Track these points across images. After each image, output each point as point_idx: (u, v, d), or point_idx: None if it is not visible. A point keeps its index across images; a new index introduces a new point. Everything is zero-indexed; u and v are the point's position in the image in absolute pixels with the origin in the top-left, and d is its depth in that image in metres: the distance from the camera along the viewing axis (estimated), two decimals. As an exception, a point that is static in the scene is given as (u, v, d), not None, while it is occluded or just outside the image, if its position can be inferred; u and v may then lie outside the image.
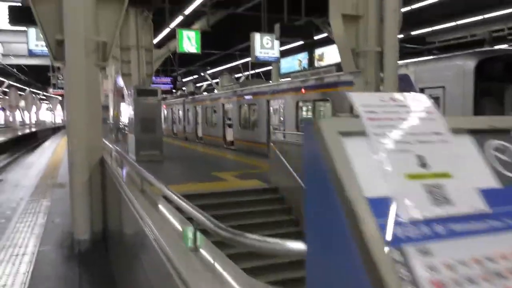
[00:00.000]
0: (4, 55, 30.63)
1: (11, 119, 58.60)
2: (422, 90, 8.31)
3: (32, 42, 10.28)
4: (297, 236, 7.82)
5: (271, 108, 14.74)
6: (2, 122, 75.22)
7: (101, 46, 5.08)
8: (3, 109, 68.79)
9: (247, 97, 16.03)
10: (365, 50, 6.54)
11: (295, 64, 25.44)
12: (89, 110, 4.85)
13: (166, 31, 16.51)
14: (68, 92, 4.88)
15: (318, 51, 23.59)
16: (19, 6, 8.82)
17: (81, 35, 4.75)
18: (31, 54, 10.28)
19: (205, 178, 9.81)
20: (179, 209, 2.69)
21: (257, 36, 12.10)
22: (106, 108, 32.48)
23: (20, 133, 39.69)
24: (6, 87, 46.60)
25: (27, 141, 39.67)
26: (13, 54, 30.42)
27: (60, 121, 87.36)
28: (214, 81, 39.17)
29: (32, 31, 10.22)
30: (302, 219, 7.94)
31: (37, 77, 40.72)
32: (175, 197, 2.69)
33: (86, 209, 4.86)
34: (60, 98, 78.74)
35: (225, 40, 25.55)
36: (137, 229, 3.05)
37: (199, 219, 2.12)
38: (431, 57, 9.84)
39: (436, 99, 8.06)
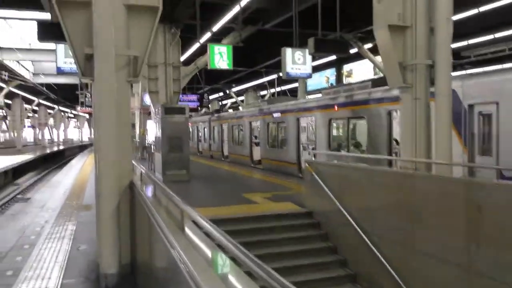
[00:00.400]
0: (34, 74, 31.28)
1: (40, 136, 59.85)
2: (471, 107, 7.68)
3: (61, 59, 10.12)
4: (335, 265, 7.21)
5: (301, 126, 14.24)
6: (32, 139, 77.14)
7: (132, 61, 4.72)
8: (33, 127, 70.53)
9: (275, 114, 15.58)
10: (414, 63, 5.99)
11: (322, 81, 24.99)
12: (119, 129, 4.45)
13: (194, 47, 16.29)
14: (96, 109, 4.50)
15: (346, 67, 23.10)
16: (48, 21, 8.66)
17: (111, 49, 4.39)
18: (59, 71, 10.11)
19: (235, 200, 9.32)
20: (211, 235, 2.63)
21: (288, 51, 11.68)
22: (132, 126, 32.64)
23: (48, 151, 40.27)
24: (36, 105, 47.61)
25: (55, 159, 40.20)
26: (43, 73, 31.03)
27: (87, 139, 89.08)
28: (239, 98, 39.12)
29: (60, 48, 10.08)
30: (340, 246, 7.36)
31: (66, 95, 41.43)
32: (211, 229, 2.57)
33: (114, 241, 4.42)
34: (87, 116, 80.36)
35: (251, 57, 25.33)
36: (168, 260, 2.79)
37: (234, 252, 2.11)
38: (480, 70, 9.19)
39: (488, 116, 7.41)
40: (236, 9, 12.95)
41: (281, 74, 27.14)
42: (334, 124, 12.24)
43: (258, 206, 8.64)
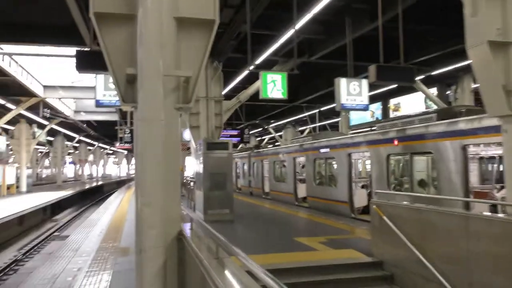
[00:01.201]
0: (76, 112, 31.73)
1: (80, 172, 60.90)
2: None
3: (100, 92, 9.57)
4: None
5: (352, 162, 13.12)
6: (72, 175, 78.87)
7: (182, 84, 3.89)
8: (74, 163, 72.16)
9: (323, 150, 14.53)
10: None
11: (366, 115, 23.82)
12: (167, 167, 3.60)
13: (235, 81, 15.69)
14: (139, 143, 3.64)
15: (393, 101, 21.94)
16: (87, 51, 8.17)
17: (158, 69, 3.58)
18: (98, 104, 9.58)
19: (287, 245, 8.23)
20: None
21: (343, 82, 10.76)
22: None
23: (87, 187, 40.48)
24: (77, 142, 48.51)
25: (94, 195, 40.29)
26: (84, 110, 31.43)
27: (125, 174, 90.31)
28: (277, 134, 38.34)
29: (100, 80, 9.56)
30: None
31: (105, 132, 41.98)
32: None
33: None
34: (125, 152, 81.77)
35: (291, 92, 24.66)
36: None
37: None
38: None
39: None
40: (282, 40, 12.26)
41: (322, 109, 26.59)
42: (393, 160, 11.06)
43: (317, 254, 7.50)
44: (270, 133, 40.45)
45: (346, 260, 7.06)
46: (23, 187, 29.95)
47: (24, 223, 19.27)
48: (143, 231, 3.38)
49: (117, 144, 30.93)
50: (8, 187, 27.08)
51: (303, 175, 17.68)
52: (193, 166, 15.54)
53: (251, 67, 11.52)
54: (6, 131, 30.94)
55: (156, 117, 3.48)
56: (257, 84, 14.65)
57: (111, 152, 78.45)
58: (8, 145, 33.86)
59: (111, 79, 9.90)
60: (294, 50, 10.59)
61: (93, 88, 17.33)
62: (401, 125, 10.74)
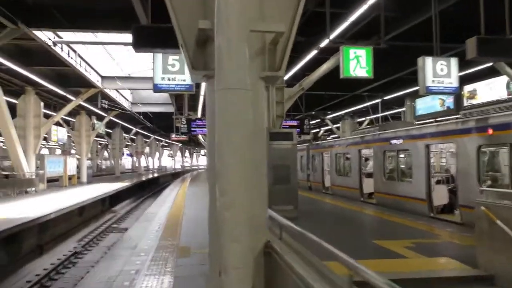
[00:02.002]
0: (132, 103, 31.95)
1: (137, 164, 62.39)
2: None
3: (158, 75, 8.81)
4: None
5: (431, 155, 11.68)
6: (130, 167, 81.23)
7: (269, 46, 2.92)
8: (131, 155, 74.21)
9: (394, 141, 13.13)
10: None
11: (435, 104, 21.88)
12: (253, 156, 2.65)
13: (302, 63, 14.55)
14: (219, 122, 2.68)
15: (467, 88, 19.89)
16: (144, 26, 7.41)
17: (242, 21, 2.60)
18: (156, 89, 8.86)
19: (368, 250, 7.12)
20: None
21: (428, 61, 9.37)
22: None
23: (144, 178, 41.05)
24: (134, 134, 49.42)
25: (150, 186, 40.79)
26: (141, 102, 31.58)
27: (179, 167, 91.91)
28: (334, 126, 36.81)
29: (158, 62, 8.78)
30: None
31: (160, 125, 42.31)
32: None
33: None
34: (180, 145, 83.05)
35: (352, 81, 23.17)
36: None
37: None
38: None
39: None
40: (353, 18, 10.99)
41: (385, 98, 24.86)
42: (486, 152, 9.54)
43: (409, 262, 6.33)
44: (325, 125, 38.98)
45: (447, 272, 5.85)
46: (84, 178, 30.60)
47: (84, 214, 19.36)
48: (224, 244, 2.41)
49: (173, 136, 30.80)
50: (70, 178, 27.67)
51: (367, 168, 16.33)
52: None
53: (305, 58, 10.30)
54: (67, 122, 31.74)
55: (242, 87, 2.50)
56: (323, 68, 13.53)
57: (166, 144, 79.93)
58: (69, 137, 34.86)
59: (170, 60, 9.14)
60: (381, 18, 9.28)
61: (149, 79, 16.92)
62: (495, 111, 9.22)
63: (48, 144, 39.93)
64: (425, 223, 10.13)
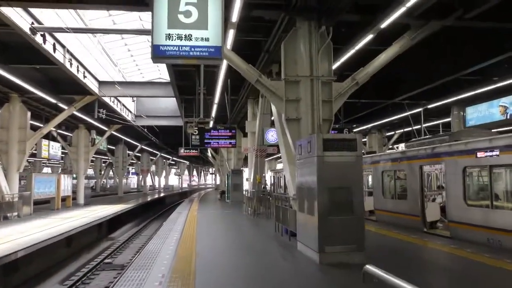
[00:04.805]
0: (136, 116, 28.81)
1: (142, 183, 59.04)
2: None
3: (161, 30, 5.35)
4: None
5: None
6: (136, 186, 77.86)
7: None
8: (137, 174, 70.89)
9: (484, 154, 9.62)
10: None
11: (494, 112, 18.37)
12: None
13: (353, 51, 11.25)
14: None
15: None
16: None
17: None
18: (156, 54, 5.45)
19: None
20: None
21: None
22: (238, 172, 28.32)
23: (149, 199, 37.62)
24: (139, 152, 46.16)
25: (155, 207, 37.19)
26: (145, 114, 28.46)
27: (187, 186, 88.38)
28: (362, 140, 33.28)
29: (162, 4, 5.35)
30: None
31: (167, 141, 39.01)
32: None
33: None
34: (187, 163, 79.72)
35: (389, 87, 19.79)
36: None
37: None
38: None
39: None
40: None
41: (429, 106, 21.42)
42: None
43: None
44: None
45: None
46: (80, 199, 27.26)
47: (74, 243, 15.92)
48: None
49: (181, 150, 27.41)
50: (63, 199, 24.32)
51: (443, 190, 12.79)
52: (287, 176, 11.19)
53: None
54: (64, 137, 28.57)
55: None
56: (391, 53, 10.21)
57: (173, 163, 76.68)
58: (66, 153, 31.64)
59: (182, 5, 5.24)
60: None
61: (156, 85, 13.41)
62: None
63: (49, 163, 36.53)
64: None
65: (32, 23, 11.86)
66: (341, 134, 8.56)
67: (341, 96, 10.02)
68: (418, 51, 11.90)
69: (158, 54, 5.46)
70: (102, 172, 66.79)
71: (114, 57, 18.34)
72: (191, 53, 5.54)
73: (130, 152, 42.94)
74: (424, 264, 8.14)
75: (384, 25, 9.81)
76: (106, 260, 14.47)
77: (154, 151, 49.99)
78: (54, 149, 24.08)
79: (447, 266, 8.07)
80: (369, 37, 10.47)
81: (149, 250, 9.61)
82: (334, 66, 10.94)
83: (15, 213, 17.46)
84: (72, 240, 15.44)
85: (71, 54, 15.07)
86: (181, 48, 5.44)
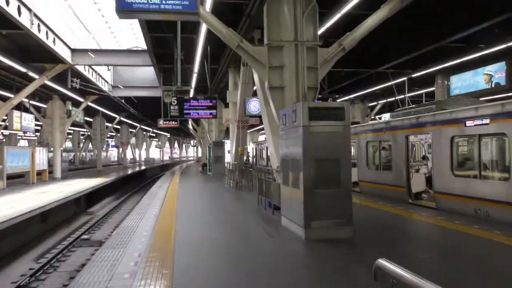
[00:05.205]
0: (113, 87, 27.78)
1: (122, 156, 58.02)
2: None
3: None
4: None
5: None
6: (116, 159, 76.66)
7: None
8: (116, 147, 69.64)
9: (473, 122, 9.31)
10: None
11: (479, 81, 18.15)
12: None
13: (336, 17, 10.69)
14: None
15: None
16: None
17: None
18: (122, 7, 4.80)
19: None
20: None
21: None
22: (219, 144, 27.80)
23: (129, 172, 36.93)
24: (118, 124, 45.03)
25: (136, 180, 36.54)
26: (123, 85, 27.43)
27: (168, 158, 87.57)
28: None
29: None
30: None
31: (146, 112, 38.03)
32: None
33: None
34: (168, 135, 78.68)
35: (374, 56, 19.30)
36: None
37: None
38: None
39: None
40: None
41: (413, 76, 21.07)
42: None
43: None
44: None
45: None
46: (57, 173, 26.44)
47: (50, 219, 15.35)
48: None
49: (160, 122, 26.66)
50: (39, 173, 23.50)
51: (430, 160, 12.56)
52: (270, 148, 10.74)
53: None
54: (38, 109, 27.43)
55: None
56: (379, 17, 9.66)
57: (154, 135, 75.52)
58: (41, 125, 30.54)
59: None
60: None
61: (134, 53, 12.62)
62: None
63: (25, 136, 35.21)
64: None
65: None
66: (328, 103, 8.18)
67: (327, 62, 9.50)
68: (404, 18, 11.42)
69: (123, 7, 4.78)
70: (81, 145, 65.46)
71: (87, 23, 17.29)
72: (161, 6, 4.85)
73: (109, 124, 41.83)
74: (417, 239, 7.89)
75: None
76: (83, 236, 13.95)
77: (134, 123, 48.89)
78: (26, 121, 23.07)
79: (438, 239, 7.85)
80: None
81: (126, 226, 9.14)
82: (319, 32, 10.38)
83: (-14, 189, 16.70)
84: (47, 215, 14.86)
85: (39, 18, 14.06)
86: (151, 0, 4.77)
